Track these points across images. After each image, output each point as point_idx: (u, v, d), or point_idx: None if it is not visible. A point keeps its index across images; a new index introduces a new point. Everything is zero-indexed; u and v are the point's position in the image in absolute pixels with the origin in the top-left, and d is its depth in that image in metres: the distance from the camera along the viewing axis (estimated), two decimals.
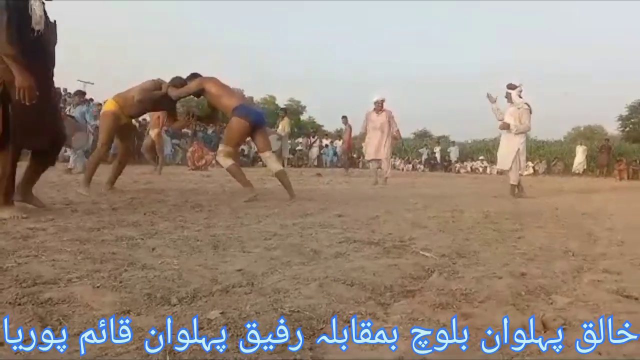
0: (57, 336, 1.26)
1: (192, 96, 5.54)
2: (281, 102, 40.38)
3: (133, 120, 5.95)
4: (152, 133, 10.02)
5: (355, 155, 26.01)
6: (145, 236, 2.76)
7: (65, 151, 10.07)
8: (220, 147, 5.31)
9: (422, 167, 26.86)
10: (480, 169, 26.66)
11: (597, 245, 3.10)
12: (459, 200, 6.29)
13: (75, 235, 2.67)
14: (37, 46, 3.20)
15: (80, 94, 11.71)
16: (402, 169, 25.99)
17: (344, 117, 15.25)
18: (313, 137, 26.56)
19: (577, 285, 2.02)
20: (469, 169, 27.08)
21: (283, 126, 13.27)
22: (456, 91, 74.02)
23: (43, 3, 3.24)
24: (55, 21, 3.37)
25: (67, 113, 10.74)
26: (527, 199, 7.02)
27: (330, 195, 6.22)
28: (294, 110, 41.52)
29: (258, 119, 5.21)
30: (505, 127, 7.28)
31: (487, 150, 29.91)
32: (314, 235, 3.00)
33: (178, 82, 5.32)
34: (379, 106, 9.36)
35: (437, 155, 28.00)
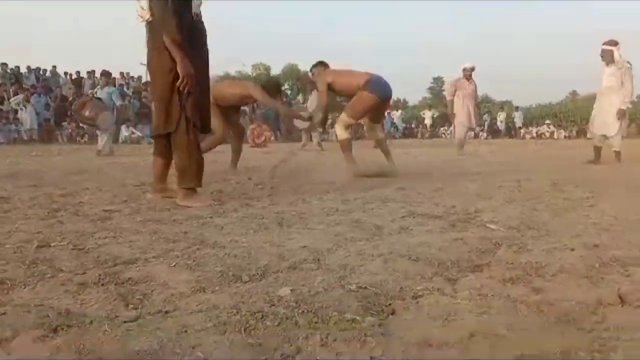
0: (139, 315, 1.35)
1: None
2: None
3: None
4: None
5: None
6: (213, 215, 2.86)
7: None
8: (342, 116, 5.27)
9: (484, 134, 26.08)
10: (547, 134, 25.60)
11: None
12: (525, 168, 6.09)
13: (148, 216, 2.81)
14: (196, 32, 3.27)
15: (107, 74, 11.15)
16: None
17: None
18: None
19: None
20: (534, 134, 26.04)
21: (312, 101, 11.29)
22: (517, 54, 70.92)
23: None
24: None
25: (94, 95, 10.64)
26: (600, 165, 6.68)
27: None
28: None
29: (387, 94, 5.29)
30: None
31: (554, 114, 28.65)
32: (376, 210, 3.01)
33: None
34: (469, 74, 9.46)
35: (502, 122, 27.09)
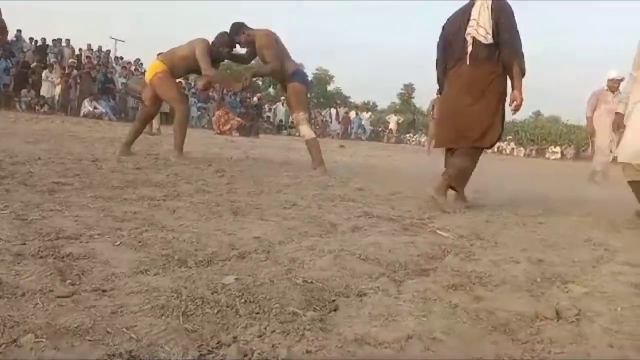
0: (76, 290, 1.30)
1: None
2: (308, 70, 40.12)
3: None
4: None
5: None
6: (167, 197, 2.80)
7: None
8: (302, 115, 5.17)
9: None
10: (507, 150, 26.25)
11: (622, 236, 3.03)
12: (484, 181, 6.21)
13: (99, 193, 2.73)
14: None
15: None
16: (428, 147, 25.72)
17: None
18: (339, 107, 26.43)
19: (595, 276, 1.99)
20: (495, 149, 26.67)
21: None
22: None
23: None
24: None
25: None
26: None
27: (352, 169, 6.21)
28: (320, 80, 41.37)
29: (309, 84, 5.34)
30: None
31: (515, 131, 29.41)
32: (333, 208, 3.01)
33: (225, 41, 5.10)
34: (616, 85, 7.50)
35: None
